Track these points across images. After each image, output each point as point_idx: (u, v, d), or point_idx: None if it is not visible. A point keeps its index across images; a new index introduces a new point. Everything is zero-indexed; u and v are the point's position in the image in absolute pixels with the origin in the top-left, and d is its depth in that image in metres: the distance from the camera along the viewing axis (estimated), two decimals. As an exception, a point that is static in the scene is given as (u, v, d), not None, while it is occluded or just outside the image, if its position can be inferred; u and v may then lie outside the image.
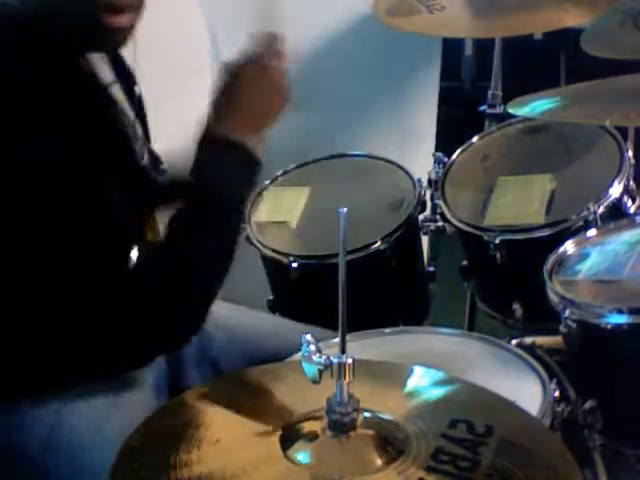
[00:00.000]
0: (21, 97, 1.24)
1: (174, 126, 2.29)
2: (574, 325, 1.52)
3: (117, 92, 1.47)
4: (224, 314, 1.69)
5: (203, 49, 2.45)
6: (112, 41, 1.35)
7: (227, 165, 1.35)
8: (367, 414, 1.04)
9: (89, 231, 1.29)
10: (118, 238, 1.34)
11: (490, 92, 2.37)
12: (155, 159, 1.54)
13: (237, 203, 1.38)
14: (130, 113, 1.48)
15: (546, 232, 1.78)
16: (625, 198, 1.81)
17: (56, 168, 1.24)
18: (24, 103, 1.24)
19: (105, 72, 1.45)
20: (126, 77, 1.52)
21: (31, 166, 1.22)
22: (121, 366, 1.36)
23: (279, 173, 2.14)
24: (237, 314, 1.71)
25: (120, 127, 1.42)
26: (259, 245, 1.93)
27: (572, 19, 2.06)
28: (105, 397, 1.38)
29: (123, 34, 1.34)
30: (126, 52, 1.51)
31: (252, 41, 1.40)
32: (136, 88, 1.54)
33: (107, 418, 1.36)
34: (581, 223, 1.76)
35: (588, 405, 1.50)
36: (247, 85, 1.38)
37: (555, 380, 1.41)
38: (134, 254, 1.38)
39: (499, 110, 2.34)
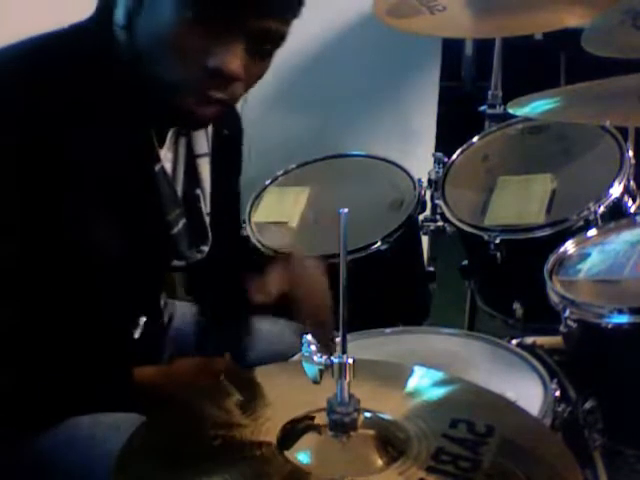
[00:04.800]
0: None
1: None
2: (574, 325, 1.52)
3: (204, 164, 1.45)
4: None
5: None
6: (189, 125, 1.35)
7: None
8: (368, 414, 1.04)
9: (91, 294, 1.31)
10: (124, 305, 1.37)
11: (490, 92, 2.37)
12: (197, 236, 1.48)
13: None
14: (205, 188, 1.46)
15: (546, 232, 1.78)
16: (625, 198, 1.82)
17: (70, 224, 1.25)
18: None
19: (202, 144, 1.44)
20: (228, 154, 1.52)
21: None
22: None
23: (279, 173, 2.14)
24: None
25: (153, 192, 1.37)
26: (259, 245, 1.93)
27: (572, 19, 2.06)
28: (89, 416, 1.34)
29: (203, 123, 1.34)
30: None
31: None
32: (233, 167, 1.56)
33: (93, 438, 1.32)
34: (581, 223, 1.76)
35: (588, 405, 1.50)
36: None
37: (556, 380, 1.41)
38: (142, 321, 1.40)
39: (499, 110, 2.34)
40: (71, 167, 1.23)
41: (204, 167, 1.46)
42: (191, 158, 1.44)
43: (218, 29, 1.19)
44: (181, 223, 1.42)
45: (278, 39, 1.24)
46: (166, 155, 1.39)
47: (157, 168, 1.35)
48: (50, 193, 1.22)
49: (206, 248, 1.48)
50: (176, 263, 1.47)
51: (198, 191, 1.46)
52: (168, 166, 1.39)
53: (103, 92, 1.26)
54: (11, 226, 1.23)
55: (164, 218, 1.39)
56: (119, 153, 1.28)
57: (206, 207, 1.48)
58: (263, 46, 1.23)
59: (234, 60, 1.20)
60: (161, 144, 1.37)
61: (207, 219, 1.48)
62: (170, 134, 1.39)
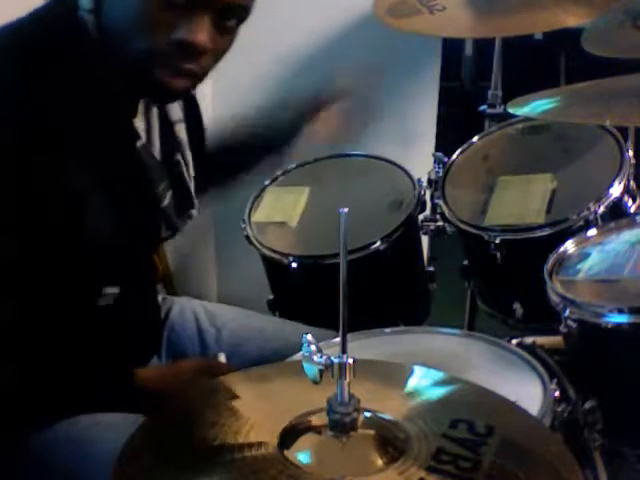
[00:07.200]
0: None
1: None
2: (574, 325, 1.51)
3: (181, 130, 1.48)
4: (228, 318, 1.69)
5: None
6: (161, 96, 1.38)
7: None
8: (368, 414, 1.04)
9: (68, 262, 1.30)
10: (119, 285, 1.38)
11: (490, 92, 2.37)
12: (183, 202, 1.51)
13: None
14: (186, 153, 1.49)
15: (546, 232, 1.78)
16: (625, 198, 1.81)
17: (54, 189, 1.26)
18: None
19: (175, 109, 1.47)
20: (194, 118, 1.54)
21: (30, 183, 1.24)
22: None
23: (279, 173, 2.14)
24: (241, 318, 1.71)
25: (139, 168, 1.39)
26: (259, 245, 1.92)
27: (572, 19, 2.06)
28: (88, 416, 1.35)
29: (175, 94, 1.36)
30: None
31: None
32: (201, 130, 1.58)
33: (90, 438, 1.33)
34: (581, 223, 1.76)
35: (588, 405, 1.50)
36: None
37: (555, 380, 1.41)
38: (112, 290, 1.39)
39: (499, 110, 2.34)
40: (64, 156, 1.25)
41: (181, 132, 1.48)
42: (169, 125, 1.46)
43: (183, 5, 1.24)
44: (169, 195, 1.44)
45: (243, 13, 1.30)
46: (139, 125, 1.40)
47: (139, 145, 1.38)
48: (43, 183, 1.24)
49: (194, 212, 1.51)
50: (164, 234, 1.49)
51: (178, 156, 1.48)
52: (142, 136, 1.41)
53: (82, 77, 1.29)
54: (8, 220, 1.24)
55: (154, 193, 1.42)
56: (103, 137, 1.31)
57: (189, 170, 1.49)
58: (229, 20, 1.29)
59: (200, 33, 1.26)
60: (133, 115, 1.39)
61: (192, 183, 1.50)
62: (140, 104, 1.41)
